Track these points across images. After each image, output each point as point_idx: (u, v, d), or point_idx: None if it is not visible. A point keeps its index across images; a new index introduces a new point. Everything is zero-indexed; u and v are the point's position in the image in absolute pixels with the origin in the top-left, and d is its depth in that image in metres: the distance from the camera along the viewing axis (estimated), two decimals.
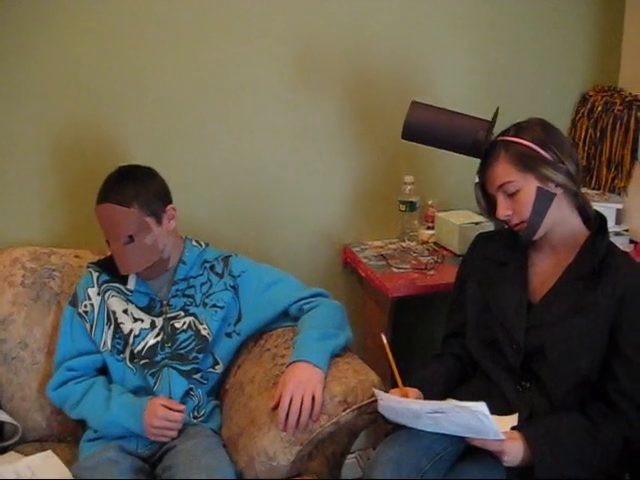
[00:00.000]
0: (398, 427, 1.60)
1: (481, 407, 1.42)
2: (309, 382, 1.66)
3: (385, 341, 1.61)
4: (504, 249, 1.73)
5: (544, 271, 1.66)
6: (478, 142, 1.69)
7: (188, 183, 2.23)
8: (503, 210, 1.62)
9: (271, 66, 2.28)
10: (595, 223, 1.64)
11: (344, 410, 1.67)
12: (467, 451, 1.59)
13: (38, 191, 2.16)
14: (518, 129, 1.63)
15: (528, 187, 1.58)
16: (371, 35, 2.35)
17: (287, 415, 1.64)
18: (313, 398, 1.65)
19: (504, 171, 1.60)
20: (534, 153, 1.58)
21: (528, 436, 1.50)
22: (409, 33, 2.40)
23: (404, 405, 1.54)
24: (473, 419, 1.44)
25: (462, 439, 1.54)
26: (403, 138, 1.80)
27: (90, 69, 2.12)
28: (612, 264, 1.58)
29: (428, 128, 1.76)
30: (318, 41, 2.30)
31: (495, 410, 1.57)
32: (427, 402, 1.52)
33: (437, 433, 1.55)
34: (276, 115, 2.33)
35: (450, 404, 1.48)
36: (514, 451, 1.49)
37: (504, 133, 1.65)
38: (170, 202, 1.87)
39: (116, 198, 1.76)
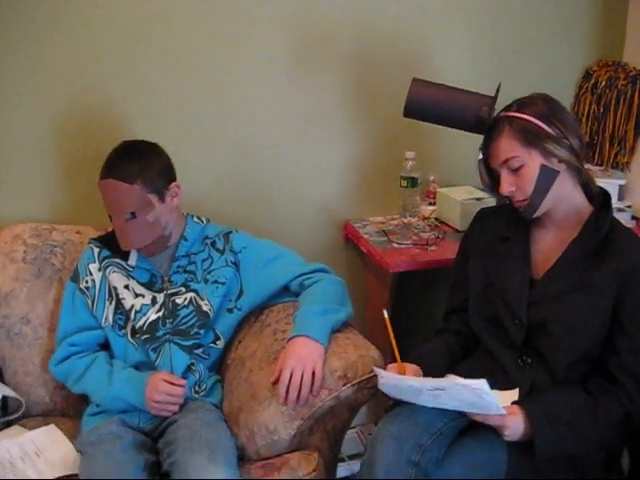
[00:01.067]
0: (399, 402, 1.61)
1: (482, 385, 1.42)
2: (309, 357, 1.67)
3: (386, 316, 1.62)
4: (507, 224, 1.72)
5: (547, 247, 1.66)
6: (481, 118, 1.67)
7: (189, 160, 2.22)
8: (507, 186, 1.61)
9: (272, 46, 2.27)
10: (598, 199, 1.64)
11: (344, 385, 1.68)
12: (468, 426, 1.60)
13: (39, 167, 2.16)
14: (521, 104, 1.62)
15: (532, 163, 1.57)
16: (372, 12, 2.33)
17: (287, 390, 1.65)
18: (313, 373, 1.67)
19: (508, 146, 1.59)
20: (538, 128, 1.56)
21: (528, 411, 1.51)
22: (410, 10, 2.37)
23: (404, 382, 1.54)
24: (474, 396, 1.45)
25: (463, 414, 1.55)
26: (405, 116, 1.78)
27: (93, 43, 2.11)
28: (616, 240, 1.58)
29: (430, 105, 1.75)
30: (319, 19, 2.29)
31: (496, 385, 1.58)
32: (428, 379, 1.53)
33: (438, 408, 1.56)
34: (277, 93, 2.32)
35: (451, 382, 1.48)
36: (515, 425, 1.50)
37: (507, 109, 1.64)
38: (174, 179, 1.86)
39: (119, 174, 1.75)
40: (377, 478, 1.50)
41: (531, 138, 1.56)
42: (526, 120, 1.58)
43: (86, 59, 2.11)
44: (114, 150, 1.82)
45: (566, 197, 1.62)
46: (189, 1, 2.15)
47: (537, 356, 1.62)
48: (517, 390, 1.60)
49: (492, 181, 1.68)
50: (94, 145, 2.04)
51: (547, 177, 1.57)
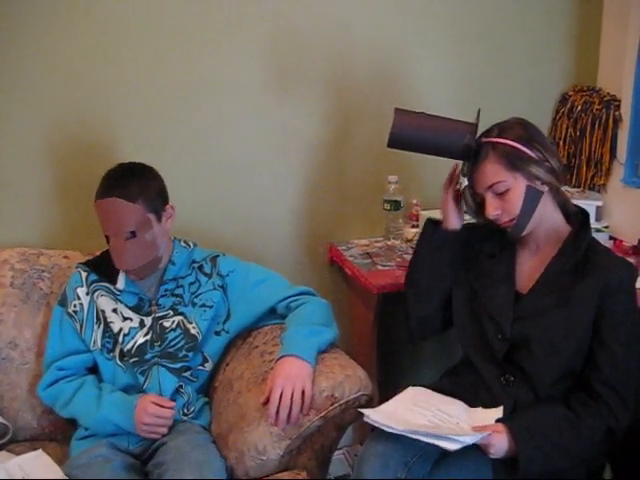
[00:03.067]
0: None
1: (465, 441, 1.47)
2: (298, 376, 1.69)
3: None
4: (494, 242, 1.76)
5: (529, 266, 1.70)
6: (467, 146, 1.68)
7: (176, 183, 2.24)
8: (493, 210, 1.64)
9: (256, 70, 2.31)
10: (577, 219, 1.68)
11: (332, 404, 1.70)
12: None
13: (27, 192, 2.17)
14: (501, 129, 1.65)
15: (517, 186, 1.61)
16: (354, 37, 2.39)
17: (278, 409, 1.67)
18: (303, 392, 1.68)
19: (493, 171, 1.62)
20: (521, 152, 1.60)
21: (512, 428, 1.54)
22: (391, 35, 2.43)
23: (398, 431, 1.54)
24: (459, 440, 1.49)
25: None
26: (389, 146, 1.78)
27: (82, 70, 2.13)
28: (594, 258, 1.61)
29: (414, 136, 1.74)
30: (301, 43, 2.33)
31: (480, 402, 1.62)
32: (417, 429, 1.53)
33: None
34: (261, 116, 2.35)
35: (437, 432, 1.51)
36: (499, 443, 1.52)
37: (487, 134, 1.67)
38: (168, 201, 1.89)
39: (122, 192, 1.76)
40: None
41: (515, 162, 1.60)
42: (509, 145, 1.61)
43: (75, 88, 2.14)
44: (111, 171, 1.83)
45: (548, 217, 1.66)
46: (177, 26, 2.19)
47: (520, 374, 1.64)
48: (501, 408, 1.63)
49: (476, 205, 1.72)
50: (82, 170, 2.06)
51: (533, 198, 1.61)
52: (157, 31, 2.18)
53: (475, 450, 1.55)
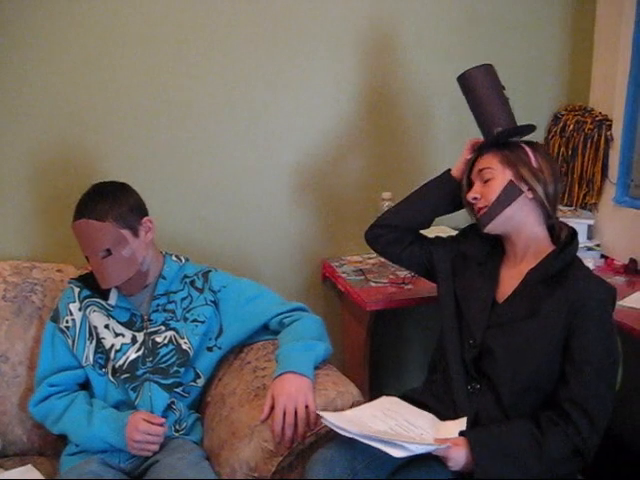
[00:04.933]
0: None
1: (413, 450, 1.47)
2: (300, 392, 1.69)
3: None
4: (484, 251, 1.79)
5: (509, 278, 1.72)
6: (493, 136, 1.78)
7: (167, 199, 2.26)
8: (473, 193, 1.73)
9: (247, 86, 2.33)
10: (565, 237, 1.69)
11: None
12: (414, 458, 1.61)
13: (20, 206, 2.18)
14: (530, 142, 1.74)
15: (502, 177, 1.68)
16: (357, 60, 2.41)
17: (283, 427, 1.66)
18: (306, 407, 1.68)
19: (489, 159, 1.71)
20: (524, 156, 1.68)
21: (471, 442, 1.53)
22: (389, 59, 2.46)
23: (350, 433, 1.54)
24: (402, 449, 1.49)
25: None
26: (458, 79, 1.89)
27: (70, 88, 2.16)
28: (571, 275, 1.62)
29: (473, 91, 1.85)
30: (288, 55, 2.36)
31: (445, 412, 1.64)
32: (363, 432, 1.52)
33: None
34: (252, 132, 2.37)
35: (390, 446, 1.49)
36: (457, 456, 1.52)
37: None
38: (146, 215, 1.89)
39: (90, 213, 1.78)
40: None
41: (512, 160, 1.68)
42: (520, 147, 1.70)
43: (63, 104, 2.16)
44: (85, 193, 1.85)
45: (528, 227, 1.69)
46: (161, 47, 2.23)
47: (486, 382, 1.65)
48: (464, 420, 1.62)
49: (466, 188, 1.79)
50: (74, 185, 2.05)
51: (510, 193, 1.66)
52: (142, 52, 2.21)
53: (435, 461, 1.55)
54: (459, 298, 1.77)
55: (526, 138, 1.78)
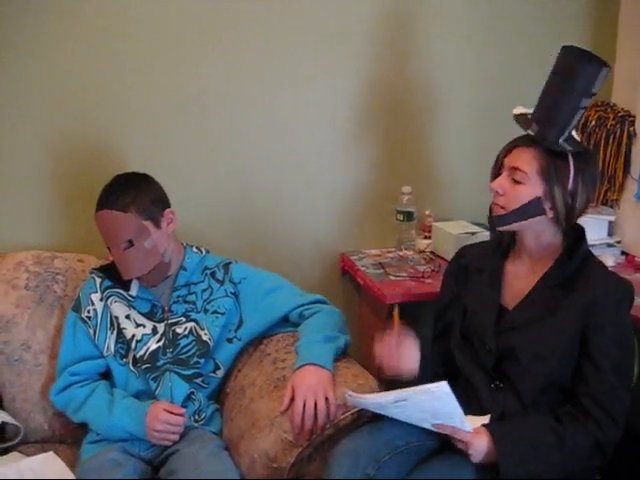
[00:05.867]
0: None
1: (442, 387, 1.45)
2: (320, 384, 1.70)
3: (396, 312, 1.71)
4: (483, 257, 1.78)
5: (521, 280, 1.70)
6: (526, 127, 1.65)
7: (186, 192, 2.27)
8: (497, 185, 1.64)
9: (265, 76, 2.33)
10: (573, 234, 1.67)
11: (343, 413, 1.70)
12: (438, 450, 1.63)
13: (42, 197, 2.20)
14: (578, 152, 1.61)
15: (532, 188, 1.60)
16: (378, 48, 2.41)
17: (303, 419, 1.67)
18: (326, 399, 1.69)
19: (528, 161, 1.60)
20: (564, 173, 1.59)
21: (493, 432, 1.54)
22: (410, 51, 2.45)
23: (370, 401, 1.58)
24: (434, 401, 1.48)
25: (431, 437, 1.60)
26: (567, 50, 1.63)
27: (93, 79, 2.17)
28: (585, 272, 1.61)
29: (566, 85, 1.60)
30: (306, 43, 2.36)
31: (470, 411, 1.61)
32: (390, 393, 1.55)
33: (403, 429, 1.60)
34: (274, 124, 2.37)
35: (411, 390, 1.51)
36: (479, 445, 1.52)
37: (569, 136, 1.63)
38: (168, 206, 1.90)
39: (113, 204, 1.79)
40: None
41: (550, 173, 1.58)
42: (565, 160, 1.59)
43: (82, 95, 2.17)
44: (107, 184, 1.86)
45: (547, 237, 1.66)
46: (182, 34, 2.22)
47: (507, 382, 1.65)
48: (488, 416, 1.63)
49: (494, 170, 1.70)
50: (94, 176, 2.07)
51: (533, 209, 1.61)
52: (162, 39, 2.21)
53: (458, 455, 1.55)
54: (467, 308, 1.76)
55: None
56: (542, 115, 1.63)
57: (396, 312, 1.69)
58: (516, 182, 1.62)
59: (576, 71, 1.60)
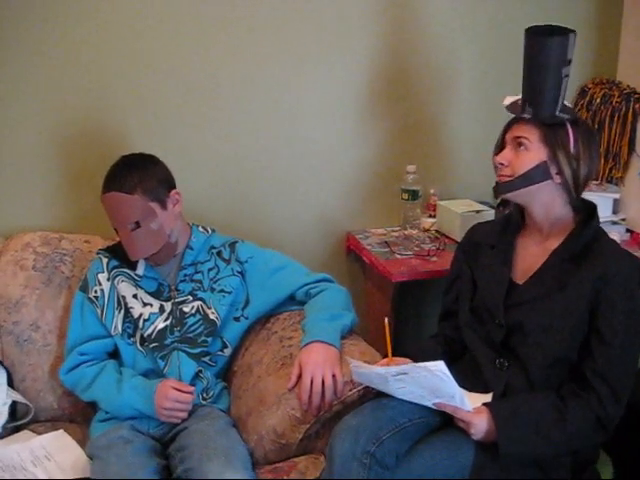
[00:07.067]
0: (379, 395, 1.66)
1: (439, 366, 1.46)
2: (327, 361, 1.71)
3: (387, 322, 1.69)
4: (494, 234, 1.78)
5: (532, 255, 1.71)
6: (524, 98, 1.70)
7: (193, 172, 2.28)
8: (501, 157, 1.66)
9: (270, 62, 2.32)
10: (584, 212, 1.68)
11: (350, 390, 1.71)
12: (438, 427, 1.64)
13: (48, 178, 2.21)
14: (574, 119, 1.66)
15: (536, 153, 1.62)
16: (386, 29, 2.40)
17: (310, 396, 1.68)
18: (333, 376, 1.70)
19: (529, 130, 1.64)
20: (565, 138, 1.62)
21: (494, 410, 1.55)
22: (427, 40, 2.46)
23: (372, 370, 1.59)
24: (434, 378, 1.49)
25: (433, 414, 1.61)
26: (529, 33, 1.72)
27: (98, 60, 2.17)
28: (596, 249, 1.62)
29: (540, 62, 1.69)
30: (310, 30, 2.35)
31: (473, 388, 1.64)
32: (392, 366, 1.57)
33: (405, 407, 1.61)
34: (280, 104, 2.37)
35: (410, 365, 1.53)
36: (479, 423, 1.53)
37: (564, 106, 1.68)
38: (174, 187, 1.90)
39: (119, 186, 1.80)
40: (334, 468, 1.53)
41: (552, 138, 1.62)
42: (565, 127, 1.62)
43: (88, 77, 2.17)
44: (113, 165, 1.86)
45: (556, 210, 1.67)
46: (188, 20, 2.22)
47: (514, 358, 1.65)
48: (491, 394, 1.64)
49: (497, 148, 1.72)
50: (100, 157, 2.08)
51: (540, 174, 1.62)
52: (169, 23, 2.21)
53: (459, 432, 1.56)
54: (477, 284, 1.76)
55: None
56: (531, 96, 1.68)
57: (387, 322, 1.69)
58: (520, 150, 1.64)
59: (547, 46, 1.66)
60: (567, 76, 1.71)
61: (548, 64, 1.67)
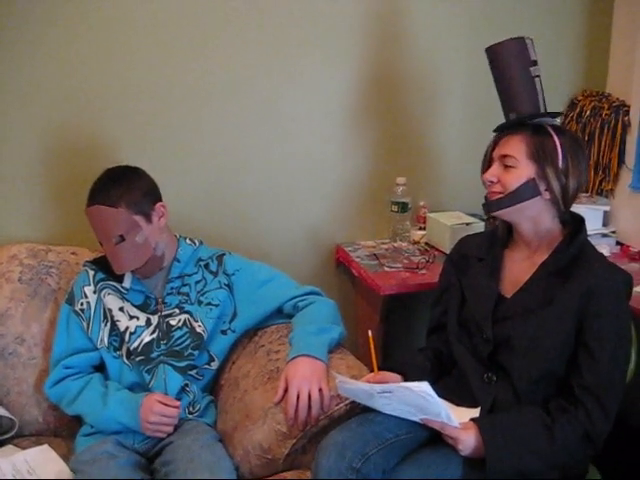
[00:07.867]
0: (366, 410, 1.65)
1: (424, 387, 1.45)
2: (314, 376, 1.70)
3: (370, 335, 1.68)
4: (483, 247, 1.78)
5: (519, 268, 1.70)
6: (507, 116, 1.75)
7: (181, 183, 2.27)
8: (490, 175, 1.66)
9: (259, 69, 2.32)
10: (572, 224, 1.68)
11: (337, 404, 1.70)
12: (427, 442, 1.62)
13: (35, 190, 2.19)
14: (557, 127, 1.66)
15: (525, 170, 1.61)
16: (379, 41, 2.40)
17: (296, 410, 1.67)
18: (320, 390, 1.69)
19: (516, 146, 1.63)
20: (553, 153, 1.61)
21: (482, 426, 1.53)
22: (414, 53, 2.46)
23: (358, 386, 1.58)
24: (419, 399, 1.48)
25: (420, 429, 1.59)
26: (486, 50, 1.83)
27: (84, 71, 2.16)
28: (584, 262, 1.61)
29: (499, 68, 1.80)
30: (299, 38, 2.35)
31: (463, 403, 1.63)
32: (377, 384, 1.56)
33: (392, 422, 1.60)
34: (269, 117, 2.37)
35: (394, 385, 1.52)
36: (467, 439, 1.51)
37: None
38: (159, 200, 1.88)
39: (103, 200, 1.79)
40: None
41: (539, 154, 1.61)
42: (551, 139, 1.62)
43: (75, 88, 2.16)
44: (98, 178, 1.85)
45: (545, 224, 1.66)
46: (175, 29, 2.22)
47: (502, 373, 1.64)
48: (478, 409, 1.63)
49: (484, 165, 1.73)
50: (87, 169, 2.06)
51: (529, 191, 1.62)
52: (158, 32, 2.20)
53: (447, 448, 1.55)
54: (466, 296, 1.76)
55: None
56: (511, 104, 1.74)
57: (370, 335, 1.69)
58: (507, 167, 1.64)
59: (506, 56, 1.78)
60: (538, 76, 1.77)
61: (510, 63, 1.76)
